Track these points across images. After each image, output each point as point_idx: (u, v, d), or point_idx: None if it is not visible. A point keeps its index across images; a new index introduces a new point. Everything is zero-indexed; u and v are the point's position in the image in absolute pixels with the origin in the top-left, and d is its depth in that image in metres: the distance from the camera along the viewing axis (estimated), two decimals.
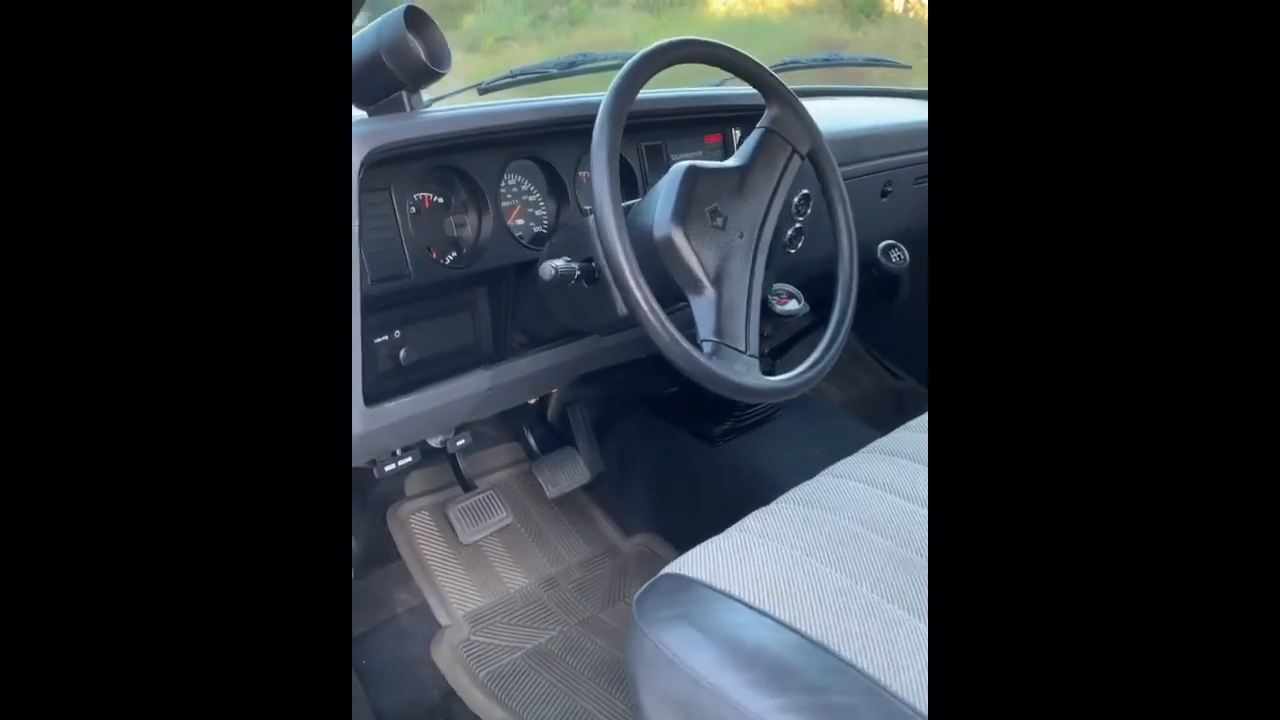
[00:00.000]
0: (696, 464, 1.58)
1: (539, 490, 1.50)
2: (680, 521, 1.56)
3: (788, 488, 1.02)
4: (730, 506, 1.55)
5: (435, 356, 1.02)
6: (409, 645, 1.28)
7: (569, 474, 1.49)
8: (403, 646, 1.28)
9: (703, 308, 0.85)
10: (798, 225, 1.39)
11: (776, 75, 0.95)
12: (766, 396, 0.86)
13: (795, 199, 1.35)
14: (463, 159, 0.98)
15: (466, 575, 1.41)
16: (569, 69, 1.31)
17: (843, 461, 1.09)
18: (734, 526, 0.93)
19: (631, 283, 0.77)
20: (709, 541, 0.91)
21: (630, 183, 1.20)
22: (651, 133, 1.21)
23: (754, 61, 0.94)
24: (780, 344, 1.57)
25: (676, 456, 1.59)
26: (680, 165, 0.88)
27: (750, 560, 0.86)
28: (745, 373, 0.83)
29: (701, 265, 0.85)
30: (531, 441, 1.57)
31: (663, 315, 0.79)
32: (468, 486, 1.43)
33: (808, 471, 1.06)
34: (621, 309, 0.90)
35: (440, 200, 1.01)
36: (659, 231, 0.85)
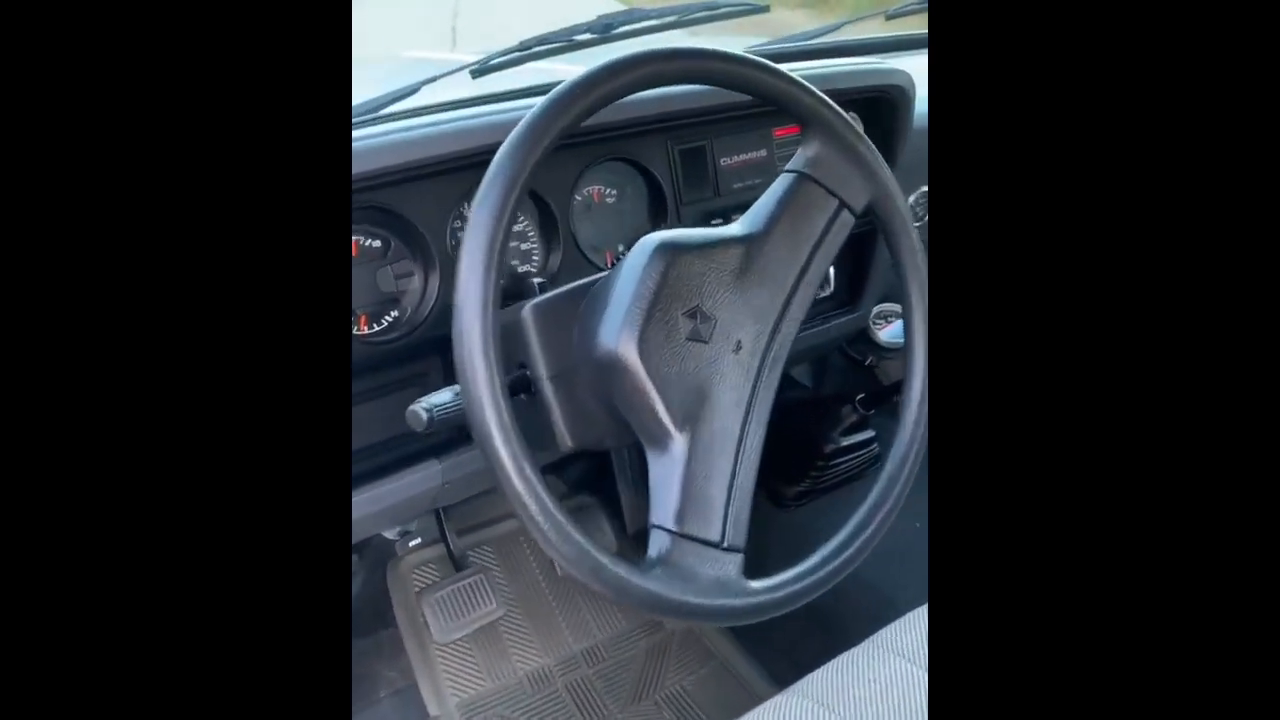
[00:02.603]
0: (763, 529, 1.28)
1: None
2: None
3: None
4: None
5: (365, 449, 0.79)
6: None
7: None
8: None
9: (663, 470, 0.56)
10: (916, 226, 1.09)
11: (820, 93, 0.61)
12: (743, 619, 0.56)
13: (912, 198, 1.06)
14: (393, 197, 0.73)
15: (471, 649, 1.20)
16: (605, 34, 1.00)
17: (916, 614, 0.78)
18: None
19: (508, 463, 0.49)
20: None
21: (659, 206, 0.90)
22: (690, 130, 0.90)
23: (778, 73, 0.60)
24: (877, 391, 1.22)
25: None
26: (648, 240, 0.58)
27: None
28: (711, 587, 0.54)
29: (664, 403, 0.55)
30: None
31: (558, 513, 0.51)
32: (460, 565, 1.21)
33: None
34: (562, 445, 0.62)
35: (375, 244, 0.76)
36: (602, 345, 0.56)
